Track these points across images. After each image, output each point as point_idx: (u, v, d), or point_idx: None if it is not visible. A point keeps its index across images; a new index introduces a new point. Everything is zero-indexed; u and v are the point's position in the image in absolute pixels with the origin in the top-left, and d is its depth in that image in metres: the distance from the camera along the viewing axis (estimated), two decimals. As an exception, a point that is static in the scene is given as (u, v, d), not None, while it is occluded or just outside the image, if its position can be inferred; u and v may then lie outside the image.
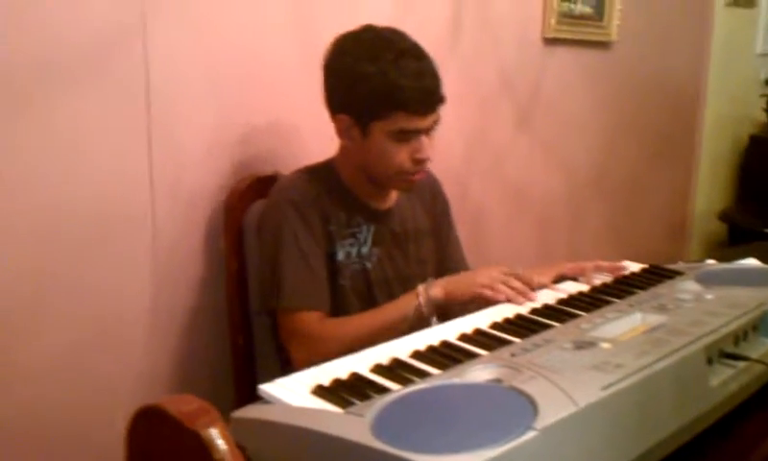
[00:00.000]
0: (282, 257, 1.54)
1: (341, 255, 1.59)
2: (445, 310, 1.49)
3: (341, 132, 1.58)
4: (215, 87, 1.74)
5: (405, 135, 1.51)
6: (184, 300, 1.75)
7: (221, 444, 0.63)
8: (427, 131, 1.54)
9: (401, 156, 1.53)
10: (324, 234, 1.57)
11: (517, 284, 1.44)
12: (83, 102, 1.51)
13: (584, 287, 1.48)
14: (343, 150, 1.64)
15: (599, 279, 1.52)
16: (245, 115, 1.81)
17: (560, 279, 1.55)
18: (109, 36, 1.54)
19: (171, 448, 0.68)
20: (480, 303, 1.44)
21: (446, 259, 1.82)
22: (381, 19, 1.59)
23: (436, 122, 1.55)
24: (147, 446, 0.71)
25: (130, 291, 1.65)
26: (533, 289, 1.45)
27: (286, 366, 1.56)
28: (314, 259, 1.55)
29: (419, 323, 1.43)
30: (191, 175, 1.72)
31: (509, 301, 1.41)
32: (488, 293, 1.44)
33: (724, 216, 3.91)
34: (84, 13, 1.49)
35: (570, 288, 1.48)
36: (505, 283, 1.44)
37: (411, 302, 1.49)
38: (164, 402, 0.69)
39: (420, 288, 1.49)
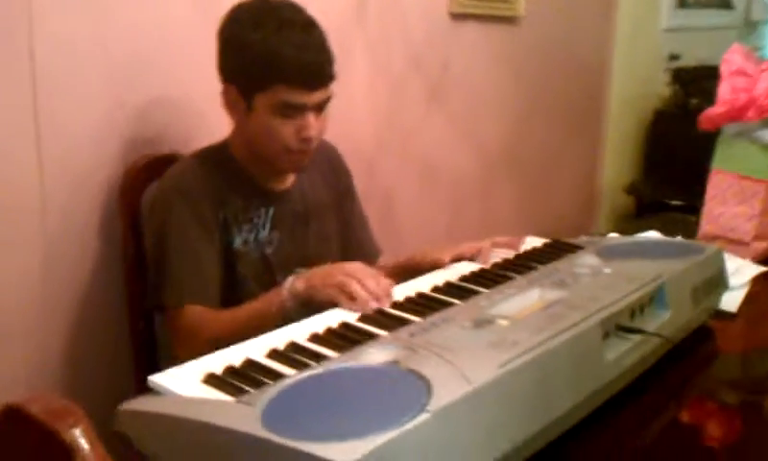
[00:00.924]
0: (167, 252, 1.48)
1: (238, 243, 1.53)
2: (314, 305, 1.35)
3: (228, 104, 1.53)
4: (107, 62, 1.66)
5: (289, 111, 1.46)
6: (79, 285, 1.68)
7: (83, 444, 0.60)
8: (315, 108, 1.48)
9: (286, 132, 1.48)
10: (217, 224, 1.51)
11: (372, 286, 1.28)
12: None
13: (483, 266, 1.45)
14: (235, 129, 1.58)
15: (499, 257, 1.50)
16: (141, 91, 1.73)
17: (459, 259, 1.52)
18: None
19: (33, 449, 0.64)
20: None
21: (351, 234, 1.77)
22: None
23: (326, 100, 1.50)
24: (9, 447, 0.67)
25: (17, 278, 1.57)
26: (388, 295, 1.29)
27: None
28: (202, 252, 1.49)
29: (285, 316, 1.32)
30: (84, 155, 1.64)
31: (357, 305, 1.25)
32: (335, 294, 1.29)
33: (631, 189, 4.00)
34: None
35: (465, 269, 1.44)
36: (360, 281, 1.28)
37: (278, 294, 1.38)
38: (26, 401, 0.65)
39: (289, 279, 1.38)
